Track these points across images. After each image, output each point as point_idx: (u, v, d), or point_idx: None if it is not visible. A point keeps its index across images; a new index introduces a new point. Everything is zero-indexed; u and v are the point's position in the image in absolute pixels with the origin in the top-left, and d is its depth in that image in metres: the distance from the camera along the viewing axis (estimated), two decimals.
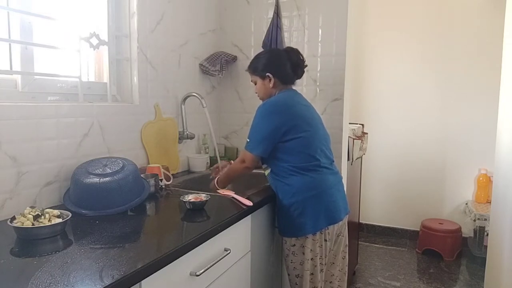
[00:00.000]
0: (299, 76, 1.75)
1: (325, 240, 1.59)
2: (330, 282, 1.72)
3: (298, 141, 1.57)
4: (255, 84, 1.75)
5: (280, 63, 1.70)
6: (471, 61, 3.34)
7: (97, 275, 0.88)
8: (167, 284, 1.06)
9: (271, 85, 1.68)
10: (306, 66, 1.75)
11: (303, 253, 1.57)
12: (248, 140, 1.63)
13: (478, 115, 3.35)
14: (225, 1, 2.42)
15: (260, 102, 1.72)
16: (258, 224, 1.62)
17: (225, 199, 1.59)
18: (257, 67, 1.72)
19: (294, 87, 1.77)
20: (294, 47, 1.76)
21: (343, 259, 1.75)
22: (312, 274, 1.59)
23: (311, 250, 1.57)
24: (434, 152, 3.55)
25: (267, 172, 1.69)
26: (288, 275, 1.65)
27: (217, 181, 1.75)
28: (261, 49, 2.31)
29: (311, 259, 1.58)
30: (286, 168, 1.59)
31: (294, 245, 1.59)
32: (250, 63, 1.76)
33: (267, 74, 1.68)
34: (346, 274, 1.78)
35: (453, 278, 2.94)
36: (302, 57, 1.73)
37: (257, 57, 1.77)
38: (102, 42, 1.68)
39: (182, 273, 1.13)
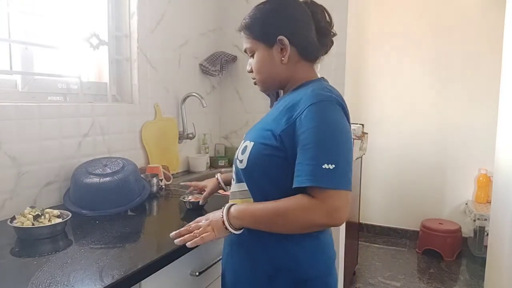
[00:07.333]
0: (328, 49, 1.08)
1: None
2: None
3: None
4: (251, 55, 1.04)
5: (301, 23, 1.00)
6: (471, 61, 3.34)
7: (97, 275, 0.88)
8: (167, 284, 1.06)
9: (284, 58, 0.99)
10: (336, 35, 1.08)
11: None
12: (331, 166, 0.83)
13: (478, 114, 3.35)
14: (225, 1, 2.42)
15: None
16: None
17: (225, 199, 1.58)
18: (264, 26, 1.01)
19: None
20: None
21: None
22: None
23: None
24: (434, 152, 3.54)
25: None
26: None
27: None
28: None
29: None
30: None
31: None
32: (250, 18, 1.05)
33: (280, 37, 0.98)
34: None
35: (453, 278, 2.93)
36: (330, 18, 1.05)
37: (260, 8, 1.04)
38: (102, 42, 1.68)
39: (182, 273, 1.13)
